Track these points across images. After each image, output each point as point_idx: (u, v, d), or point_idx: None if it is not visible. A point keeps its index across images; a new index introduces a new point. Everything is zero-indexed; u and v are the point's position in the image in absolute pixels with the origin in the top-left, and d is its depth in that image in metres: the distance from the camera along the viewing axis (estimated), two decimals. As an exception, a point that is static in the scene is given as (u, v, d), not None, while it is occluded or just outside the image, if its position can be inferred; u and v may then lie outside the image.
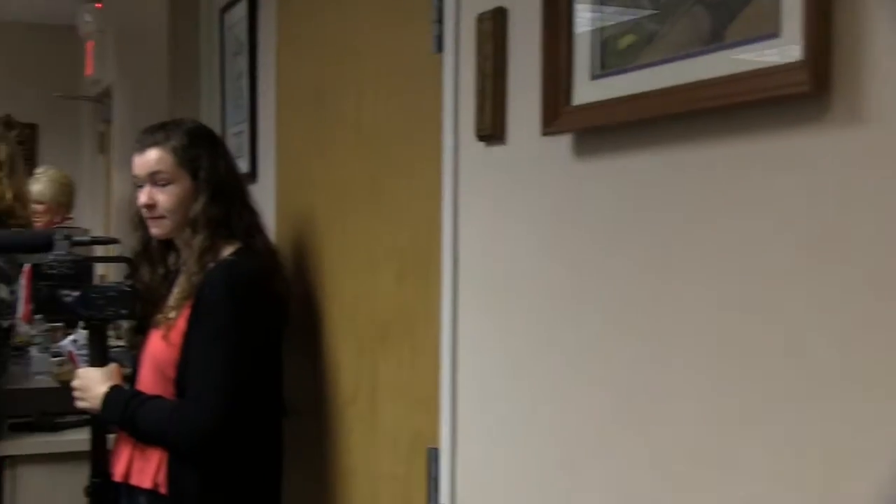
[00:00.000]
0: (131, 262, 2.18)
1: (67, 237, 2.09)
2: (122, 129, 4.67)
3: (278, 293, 2.09)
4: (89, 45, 5.69)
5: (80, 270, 2.10)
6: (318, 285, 2.21)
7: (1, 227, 2.45)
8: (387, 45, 1.90)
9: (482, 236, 1.55)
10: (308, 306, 2.21)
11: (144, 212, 2.07)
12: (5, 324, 2.40)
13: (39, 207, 4.78)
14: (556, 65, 1.30)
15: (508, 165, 1.47)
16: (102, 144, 5.75)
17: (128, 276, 2.22)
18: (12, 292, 2.40)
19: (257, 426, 2.02)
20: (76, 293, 2.07)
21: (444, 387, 1.62)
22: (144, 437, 1.99)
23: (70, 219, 4.91)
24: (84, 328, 2.10)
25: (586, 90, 1.27)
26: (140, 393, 2.02)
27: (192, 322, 1.97)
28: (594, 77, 1.25)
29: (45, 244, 2.09)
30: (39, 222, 4.86)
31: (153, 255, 2.15)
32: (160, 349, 2.02)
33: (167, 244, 2.16)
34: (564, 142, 1.32)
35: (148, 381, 2.05)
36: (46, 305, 2.09)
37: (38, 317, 2.17)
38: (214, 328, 1.94)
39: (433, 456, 1.65)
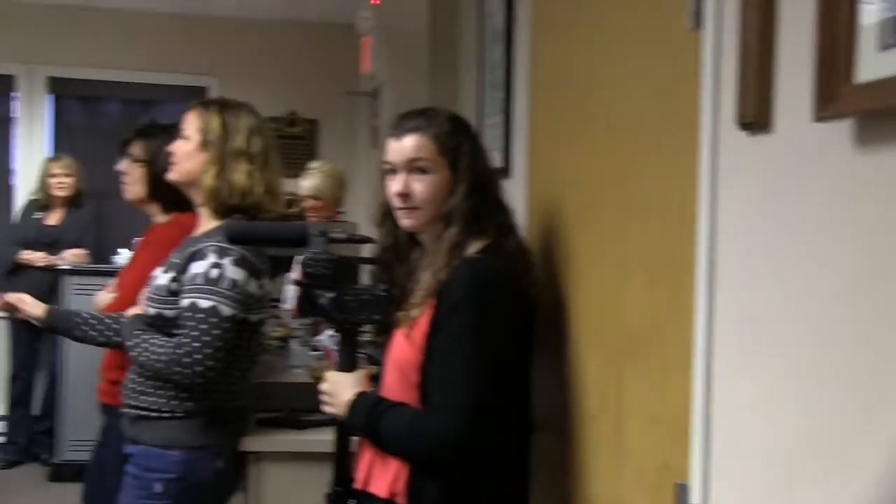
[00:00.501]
0: (381, 261, 2.10)
1: (323, 233, 2.03)
2: (388, 124, 4.73)
3: (528, 296, 1.95)
4: (366, 42, 5.82)
5: (338, 270, 2.03)
6: (564, 289, 2.05)
7: (252, 220, 2.46)
8: (639, 25, 1.72)
9: (742, 239, 1.34)
10: (553, 311, 2.06)
11: (397, 201, 1.97)
12: (254, 318, 2.41)
13: (314, 202, 4.93)
14: (834, 32, 1.07)
15: (774, 157, 1.26)
16: (376, 140, 5.87)
17: (377, 274, 2.14)
18: (261, 286, 2.40)
19: (504, 439, 1.89)
20: (331, 294, 2.01)
21: (695, 413, 1.42)
22: (387, 447, 1.91)
23: (341, 213, 5.02)
24: (335, 331, 2.05)
25: (873, 63, 1.03)
26: (384, 400, 1.93)
27: (435, 322, 1.87)
28: (885, 47, 1.02)
29: (300, 239, 2.05)
30: (313, 217, 5.00)
31: (401, 250, 2.07)
32: (403, 351, 1.94)
33: (412, 239, 2.07)
34: (843, 128, 1.09)
35: (392, 384, 1.98)
36: (300, 305, 2.06)
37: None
38: (458, 331, 1.83)
39: (682, 493, 1.45)
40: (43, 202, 5.82)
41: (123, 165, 2.94)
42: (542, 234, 2.21)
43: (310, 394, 2.25)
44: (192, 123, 2.47)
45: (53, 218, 5.80)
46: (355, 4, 5.68)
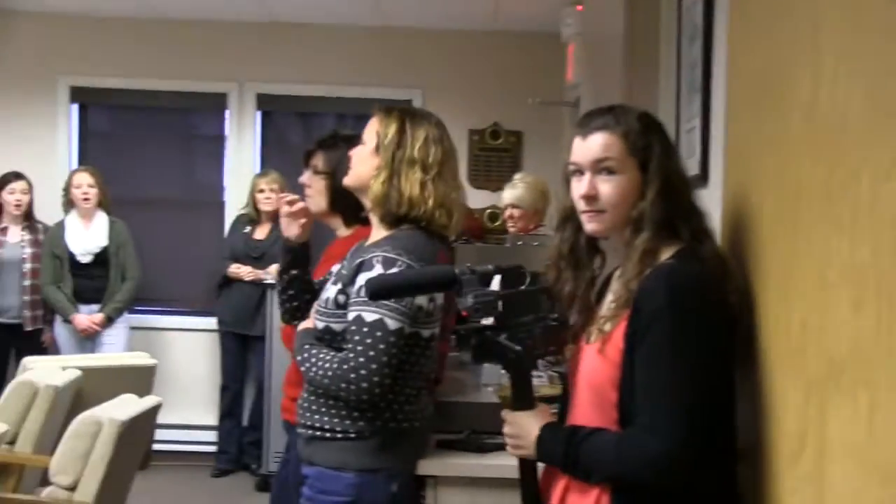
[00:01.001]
0: (557, 269, 1.95)
1: (473, 271, 1.90)
2: (574, 123, 4.57)
3: (728, 304, 1.80)
4: (570, 50, 5.69)
5: (505, 306, 1.90)
6: (759, 305, 1.84)
7: (423, 231, 2.37)
8: (851, 12, 1.50)
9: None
10: (748, 327, 1.86)
11: (581, 204, 1.85)
12: (426, 332, 2.33)
13: (515, 213, 4.84)
14: None
15: None
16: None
17: (551, 284, 1.98)
18: (432, 299, 2.31)
19: (713, 464, 1.73)
20: (503, 336, 1.87)
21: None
22: (589, 477, 1.78)
23: (542, 226, 4.90)
24: (505, 369, 1.92)
25: None
26: (578, 429, 1.81)
27: (631, 335, 1.75)
28: None
29: (449, 282, 1.92)
30: (514, 228, 4.91)
31: (580, 257, 1.94)
32: (597, 367, 1.81)
33: (593, 246, 1.94)
34: None
35: (584, 404, 1.85)
36: (475, 354, 1.93)
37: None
38: (659, 343, 1.70)
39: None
40: (251, 217, 6.01)
41: (306, 178, 2.93)
42: (737, 246, 2.01)
43: (494, 414, 2.13)
44: (371, 128, 2.44)
45: (261, 232, 5.97)
46: (561, 12, 5.56)
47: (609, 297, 1.87)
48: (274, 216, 5.88)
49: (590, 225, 1.86)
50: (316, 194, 2.91)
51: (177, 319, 6.47)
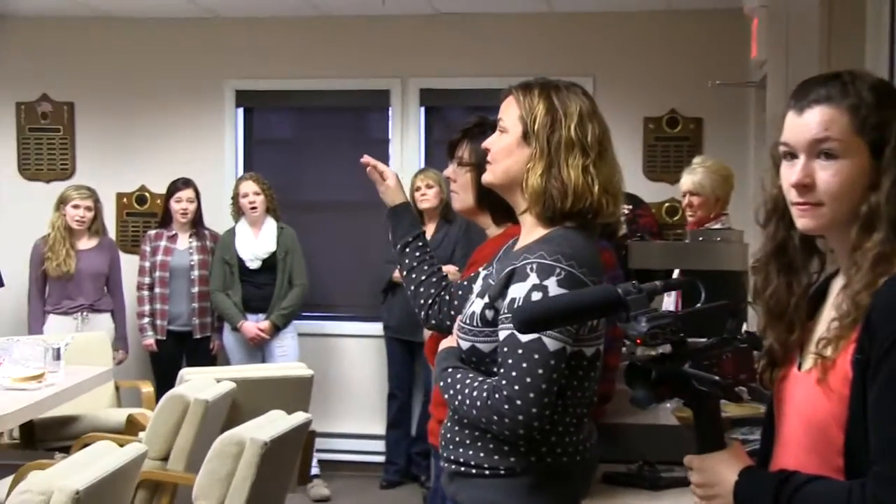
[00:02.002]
0: (763, 272, 1.57)
1: (639, 289, 1.53)
2: (773, 115, 4.09)
3: None
4: (754, 24, 5.19)
5: (685, 329, 1.51)
6: None
7: (583, 229, 2.01)
8: None
9: None
10: None
11: (792, 195, 1.48)
12: (589, 350, 1.97)
13: (694, 200, 4.43)
14: None
15: None
16: (763, 136, 5.20)
17: (757, 288, 1.60)
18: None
19: None
20: (687, 365, 1.50)
21: None
22: None
23: (724, 215, 4.48)
24: (689, 405, 1.53)
25: None
26: (790, 475, 1.43)
27: (862, 363, 1.37)
28: None
29: (615, 303, 1.54)
30: (693, 217, 4.49)
31: (794, 259, 1.56)
32: (816, 402, 1.45)
33: (809, 245, 1.56)
34: None
35: (797, 445, 1.49)
36: (656, 388, 1.55)
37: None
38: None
39: None
40: (415, 217, 5.77)
41: (450, 171, 2.60)
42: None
43: (672, 440, 1.76)
44: (510, 112, 2.08)
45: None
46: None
47: (829, 314, 1.49)
48: (435, 215, 5.64)
49: (802, 220, 1.48)
50: (461, 189, 2.57)
51: (344, 325, 6.31)
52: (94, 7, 6.18)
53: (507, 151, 2.07)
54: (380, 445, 6.05)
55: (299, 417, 3.31)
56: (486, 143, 2.12)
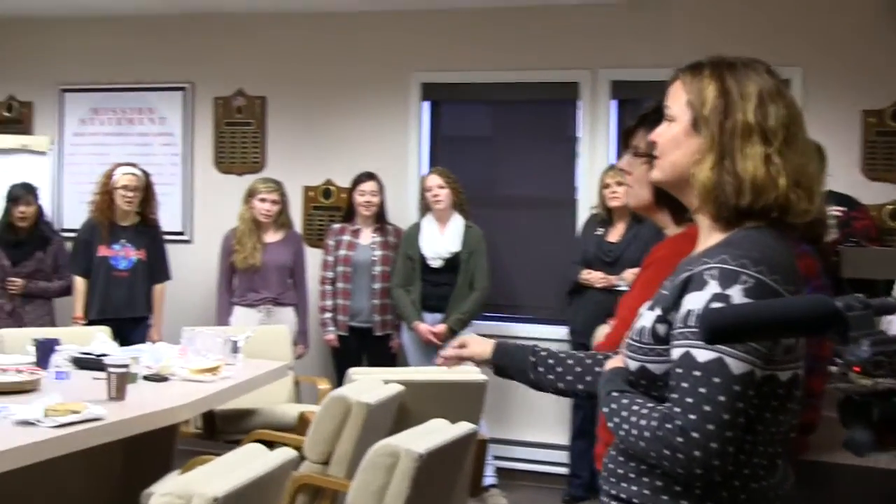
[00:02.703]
0: None
1: (866, 305, 1.17)
2: None
3: None
4: None
5: None
6: None
7: (772, 229, 1.66)
8: None
9: None
10: None
11: None
12: (784, 375, 1.62)
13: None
14: None
15: None
16: None
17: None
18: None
19: None
20: None
21: None
22: None
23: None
24: None
25: None
26: None
27: None
28: None
29: (830, 319, 1.19)
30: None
31: None
32: None
33: None
34: None
35: None
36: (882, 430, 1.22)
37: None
38: None
39: None
40: (603, 217, 5.44)
41: (625, 162, 2.27)
42: None
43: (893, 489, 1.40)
44: (677, 98, 1.78)
45: (615, 234, 5.38)
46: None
47: None
48: (625, 213, 5.30)
49: None
50: (636, 183, 2.23)
51: (527, 328, 6.02)
52: (286, 5, 6.17)
53: (674, 143, 1.76)
54: (564, 456, 5.75)
55: (463, 428, 3.06)
56: (653, 135, 1.81)
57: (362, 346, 5.85)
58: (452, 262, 5.65)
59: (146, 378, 4.03)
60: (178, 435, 4.45)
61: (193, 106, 6.61)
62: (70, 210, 6.75)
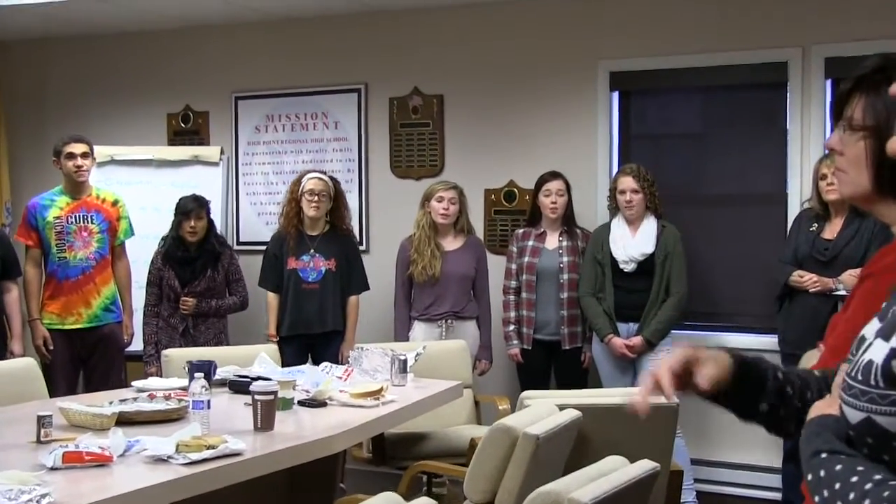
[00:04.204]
0: None
1: None
2: None
3: None
4: None
5: None
6: None
7: None
8: None
9: None
10: None
11: None
12: None
13: None
14: None
15: None
16: None
17: None
18: None
19: None
20: None
21: None
22: None
23: None
24: None
25: None
26: None
27: None
28: None
29: None
30: None
31: None
32: None
33: None
34: None
35: None
36: None
37: None
38: None
39: None
40: (818, 211, 4.84)
41: (835, 140, 1.75)
42: None
43: None
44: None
45: (831, 230, 4.78)
46: None
47: None
48: (843, 208, 4.69)
49: None
50: (850, 165, 1.69)
51: (732, 338, 5.44)
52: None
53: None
54: (776, 480, 5.17)
55: (642, 468, 2.63)
56: (832, 143, 1.35)
57: (549, 361, 5.48)
58: (646, 266, 5.18)
59: (301, 403, 3.80)
60: (339, 462, 4.21)
61: (367, 107, 6.42)
62: (246, 222, 6.70)
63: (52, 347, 5.51)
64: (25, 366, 4.42)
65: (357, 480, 5.37)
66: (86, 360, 5.63)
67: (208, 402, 3.24)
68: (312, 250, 5.59)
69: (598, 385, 5.28)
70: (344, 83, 6.43)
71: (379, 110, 6.40)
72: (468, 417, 5.17)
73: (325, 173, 5.71)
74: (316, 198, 5.54)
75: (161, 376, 4.71)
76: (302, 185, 5.59)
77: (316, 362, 4.80)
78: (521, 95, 6.03)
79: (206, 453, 2.87)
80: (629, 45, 5.75)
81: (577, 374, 5.41)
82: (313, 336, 5.56)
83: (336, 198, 5.66)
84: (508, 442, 2.98)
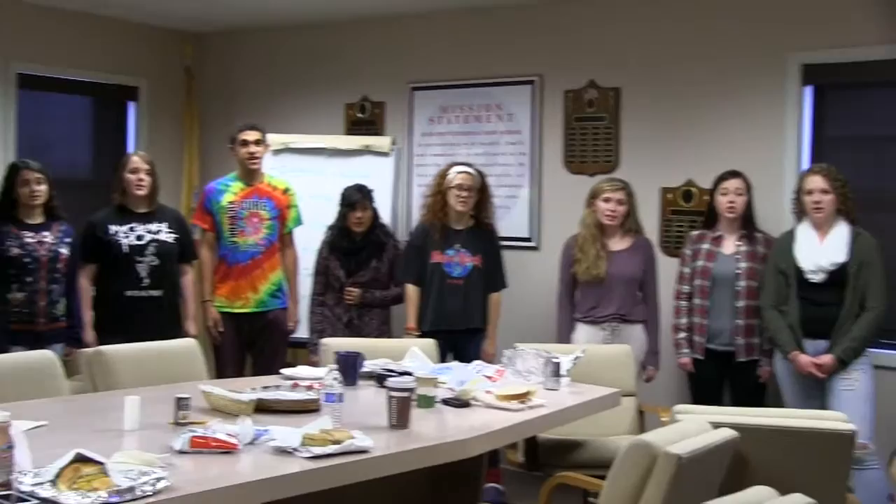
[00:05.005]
0: None
1: None
2: None
3: None
4: None
5: None
6: None
7: None
8: None
9: None
10: None
11: None
12: None
13: None
14: None
15: None
16: None
17: None
18: None
19: None
20: None
21: None
22: None
23: None
24: None
25: None
26: None
27: None
28: None
29: None
30: None
31: None
32: None
33: None
34: None
35: None
36: None
37: None
38: None
39: None
40: None
41: None
42: None
43: None
44: None
45: None
46: None
47: None
48: None
49: None
50: None
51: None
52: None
53: None
54: None
55: (794, 502, 2.37)
56: None
57: (723, 373, 5.17)
58: (838, 277, 4.75)
59: (445, 402, 3.69)
60: (483, 465, 4.08)
61: (542, 100, 6.26)
62: (418, 214, 6.67)
63: (221, 330, 5.64)
64: (187, 347, 4.52)
65: (514, 484, 5.26)
66: (252, 344, 5.74)
67: (340, 395, 3.17)
68: (458, 245, 5.50)
69: (779, 404, 4.93)
70: (519, 75, 6.31)
71: (553, 103, 6.24)
72: (630, 427, 4.94)
73: (471, 166, 5.60)
74: (465, 192, 5.45)
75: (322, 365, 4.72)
76: (449, 178, 5.50)
77: (458, 359, 4.70)
78: (702, 90, 5.73)
79: (330, 448, 2.80)
80: (825, 34, 5.35)
81: (753, 390, 5.08)
82: (455, 332, 5.46)
83: (482, 192, 5.55)
84: (647, 460, 2.77)
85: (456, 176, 5.48)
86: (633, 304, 5.34)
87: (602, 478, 2.94)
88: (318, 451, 2.78)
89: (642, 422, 5.06)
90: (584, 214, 5.41)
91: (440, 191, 5.52)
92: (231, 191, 5.70)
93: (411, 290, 5.58)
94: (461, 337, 5.45)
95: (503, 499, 5.24)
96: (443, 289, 5.49)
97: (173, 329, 5.25)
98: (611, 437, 4.71)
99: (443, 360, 4.43)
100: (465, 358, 4.51)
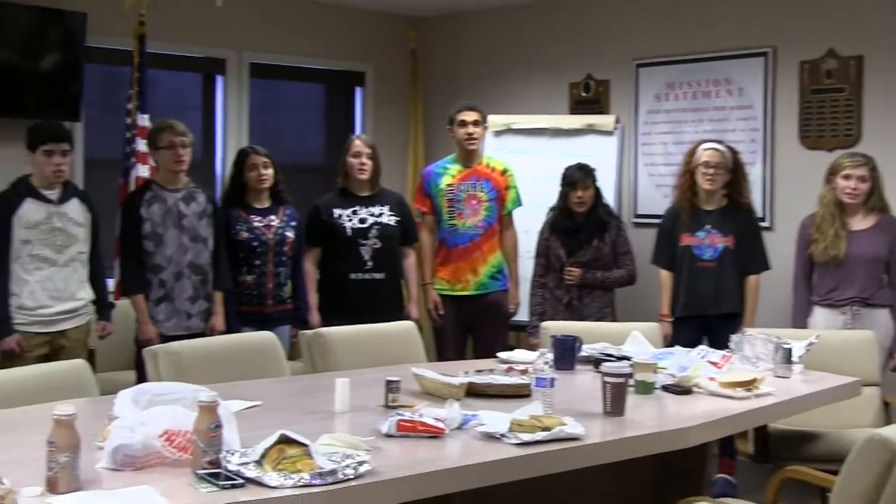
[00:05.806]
0: None
1: None
2: None
3: None
4: None
5: None
6: None
7: None
8: None
9: None
10: None
11: None
12: None
13: None
14: None
15: None
16: None
17: None
18: None
19: None
20: None
21: None
22: None
23: None
24: None
25: None
26: None
27: None
28: None
29: None
30: None
31: None
32: None
33: None
34: None
35: None
36: None
37: None
38: None
39: None
40: None
41: None
42: None
43: None
44: None
45: None
46: None
47: None
48: None
49: None
50: None
51: None
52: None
53: None
54: None
55: None
56: None
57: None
58: None
59: (665, 388, 3.52)
60: (706, 455, 3.88)
61: (775, 73, 5.91)
62: (643, 194, 6.48)
63: (442, 312, 5.66)
64: (406, 329, 4.54)
65: (745, 475, 5.01)
66: (472, 327, 5.72)
67: (552, 380, 3.08)
68: (709, 226, 5.26)
69: None
70: (750, 47, 5.98)
71: (788, 75, 5.87)
72: (874, 420, 4.57)
73: (721, 143, 5.34)
74: (712, 170, 5.21)
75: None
76: (697, 156, 5.28)
77: (713, 345, 4.48)
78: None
79: (539, 435, 2.70)
80: None
81: None
82: (709, 318, 5.24)
83: (735, 170, 5.29)
84: (886, 458, 2.51)
85: (703, 153, 5.25)
86: (876, 287, 4.96)
87: (836, 473, 2.70)
88: (526, 437, 2.69)
89: (888, 414, 4.69)
90: (822, 192, 5.06)
91: (688, 170, 5.31)
92: (449, 173, 5.68)
93: (664, 276, 5.41)
94: (715, 322, 5.22)
95: (733, 492, 4.99)
96: (693, 272, 5.28)
97: (396, 312, 5.30)
98: (851, 429, 4.38)
99: (695, 346, 4.20)
100: (721, 344, 4.29)
